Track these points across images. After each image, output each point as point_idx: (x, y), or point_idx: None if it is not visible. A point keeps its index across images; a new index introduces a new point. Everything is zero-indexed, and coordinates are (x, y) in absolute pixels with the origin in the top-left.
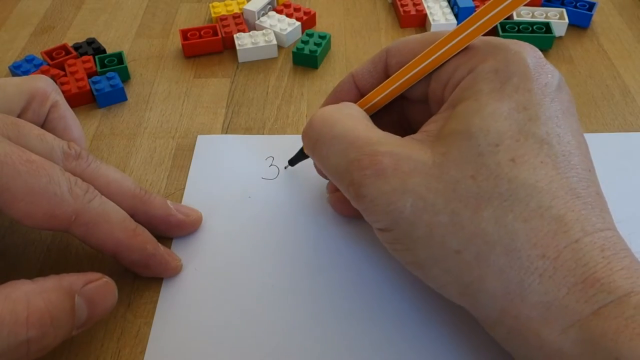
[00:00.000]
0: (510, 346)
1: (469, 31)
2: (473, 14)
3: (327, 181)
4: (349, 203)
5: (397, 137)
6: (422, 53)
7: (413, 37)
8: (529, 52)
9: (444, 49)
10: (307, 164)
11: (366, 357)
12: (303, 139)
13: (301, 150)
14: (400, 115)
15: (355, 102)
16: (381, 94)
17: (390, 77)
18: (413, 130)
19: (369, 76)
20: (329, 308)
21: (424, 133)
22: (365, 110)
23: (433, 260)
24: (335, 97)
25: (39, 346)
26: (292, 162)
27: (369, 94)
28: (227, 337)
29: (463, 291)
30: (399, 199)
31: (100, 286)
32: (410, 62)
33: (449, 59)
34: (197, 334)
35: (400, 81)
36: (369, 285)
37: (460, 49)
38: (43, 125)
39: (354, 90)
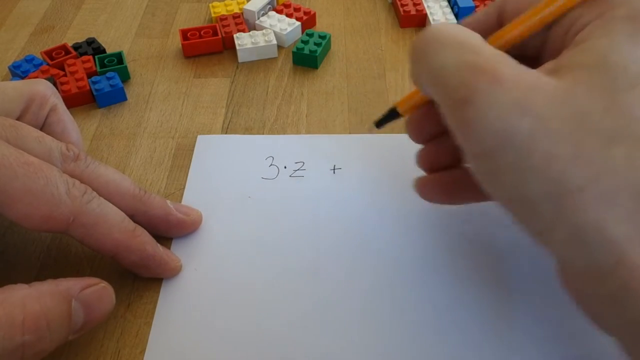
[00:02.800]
0: (615, 307)
1: None
2: None
3: (416, 151)
4: (437, 185)
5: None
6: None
7: None
8: None
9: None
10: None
11: (366, 357)
12: (414, 43)
13: (392, 109)
14: None
15: None
16: (505, 36)
17: (517, 20)
18: None
19: (478, 26)
20: (329, 308)
21: (542, 68)
22: None
23: (545, 196)
24: None
25: (34, 350)
26: (379, 123)
27: (500, 30)
28: (227, 337)
29: (572, 236)
30: (515, 116)
31: (97, 291)
32: (535, 8)
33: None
34: (197, 334)
35: (530, 21)
36: (369, 285)
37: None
38: (41, 129)
39: None
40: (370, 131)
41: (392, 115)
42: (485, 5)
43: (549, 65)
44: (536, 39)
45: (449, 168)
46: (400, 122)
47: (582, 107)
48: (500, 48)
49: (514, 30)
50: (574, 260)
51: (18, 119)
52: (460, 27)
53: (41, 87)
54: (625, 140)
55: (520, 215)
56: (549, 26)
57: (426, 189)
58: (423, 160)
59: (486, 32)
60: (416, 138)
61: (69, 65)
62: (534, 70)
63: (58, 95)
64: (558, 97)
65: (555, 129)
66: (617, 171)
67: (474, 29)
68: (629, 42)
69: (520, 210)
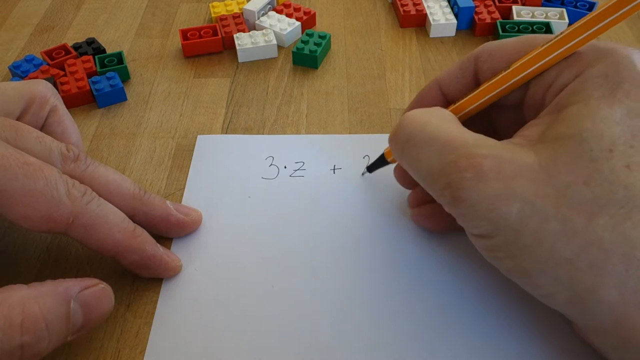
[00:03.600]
0: (621, 356)
1: (579, 38)
2: (582, 22)
3: (407, 195)
4: (434, 217)
5: (495, 140)
6: (525, 59)
7: (505, 42)
8: (639, 57)
9: (550, 57)
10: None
11: (366, 356)
12: (391, 141)
13: (381, 156)
14: (486, 121)
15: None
16: (478, 101)
17: (489, 83)
18: (499, 137)
19: (456, 82)
20: (329, 308)
21: (522, 137)
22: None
23: (540, 268)
24: (419, 103)
25: (33, 351)
26: (371, 168)
27: (463, 100)
28: (227, 337)
29: (572, 300)
30: (503, 204)
31: (96, 292)
32: (511, 68)
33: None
34: (197, 334)
35: (500, 88)
36: (369, 285)
37: (567, 56)
38: (41, 129)
39: (439, 97)
40: (363, 175)
41: (381, 161)
42: (485, 5)
43: (529, 131)
44: (515, 94)
45: None
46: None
47: (563, 182)
48: (475, 111)
49: (485, 96)
50: (578, 320)
51: (18, 119)
52: (429, 114)
53: (41, 88)
54: (608, 208)
55: (522, 284)
56: (527, 82)
57: (422, 219)
58: (414, 203)
59: (462, 89)
60: (404, 185)
61: (69, 65)
62: (513, 149)
63: (58, 96)
64: (541, 178)
65: (541, 209)
66: (603, 240)
67: (450, 85)
68: (605, 104)
69: (521, 280)
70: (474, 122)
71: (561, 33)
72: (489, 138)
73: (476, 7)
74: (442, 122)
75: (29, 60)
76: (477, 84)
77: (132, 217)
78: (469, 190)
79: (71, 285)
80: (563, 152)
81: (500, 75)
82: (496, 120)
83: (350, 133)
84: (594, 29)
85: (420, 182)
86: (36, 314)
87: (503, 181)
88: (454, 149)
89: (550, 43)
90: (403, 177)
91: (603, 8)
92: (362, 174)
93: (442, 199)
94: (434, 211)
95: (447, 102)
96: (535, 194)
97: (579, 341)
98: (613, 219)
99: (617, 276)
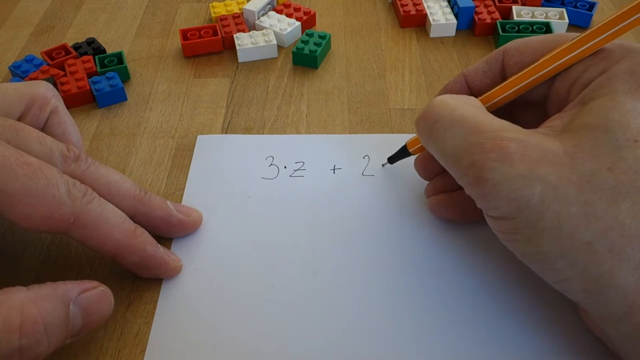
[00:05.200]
0: (632, 346)
1: (606, 34)
2: (609, 18)
3: (426, 185)
4: (451, 206)
5: (521, 127)
6: (553, 53)
7: (532, 39)
8: None
9: (578, 51)
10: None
11: (366, 355)
12: (419, 121)
13: (403, 147)
14: (509, 118)
15: None
16: (507, 91)
17: (517, 75)
18: None
19: (483, 76)
20: (329, 307)
21: (548, 127)
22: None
23: (559, 252)
24: (445, 94)
25: (31, 354)
26: (392, 159)
27: (492, 90)
28: (227, 337)
29: (588, 286)
30: (526, 186)
31: (96, 295)
32: (540, 61)
33: (580, 60)
34: (197, 334)
35: (529, 79)
36: (369, 285)
37: (594, 51)
38: (42, 131)
39: (465, 89)
40: (384, 165)
41: (403, 152)
42: (485, 5)
43: (554, 122)
44: (540, 89)
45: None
46: (400, 119)
47: (588, 169)
48: (503, 102)
49: (514, 87)
50: (592, 307)
51: (18, 120)
52: (458, 99)
53: (42, 89)
54: (631, 196)
55: (538, 269)
56: (552, 77)
57: (440, 208)
58: (431, 192)
59: (489, 83)
60: (424, 175)
61: (69, 65)
62: (538, 136)
63: (59, 97)
64: (565, 163)
65: (564, 192)
66: (624, 225)
67: (476, 79)
68: (631, 99)
69: (538, 264)
70: (497, 117)
71: (589, 29)
72: (515, 125)
73: (476, 7)
74: (471, 107)
75: (29, 60)
76: (503, 78)
77: (133, 218)
78: (492, 171)
79: (70, 288)
80: (588, 140)
81: (529, 68)
82: (519, 117)
83: (350, 133)
84: (621, 25)
85: (443, 162)
86: (35, 317)
87: (527, 164)
88: (481, 132)
89: (578, 38)
90: (424, 167)
91: (631, 5)
92: (383, 165)
93: (465, 179)
94: (452, 200)
95: (472, 95)
96: (559, 178)
97: (589, 336)
98: (635, 206)
99: (636, 262)
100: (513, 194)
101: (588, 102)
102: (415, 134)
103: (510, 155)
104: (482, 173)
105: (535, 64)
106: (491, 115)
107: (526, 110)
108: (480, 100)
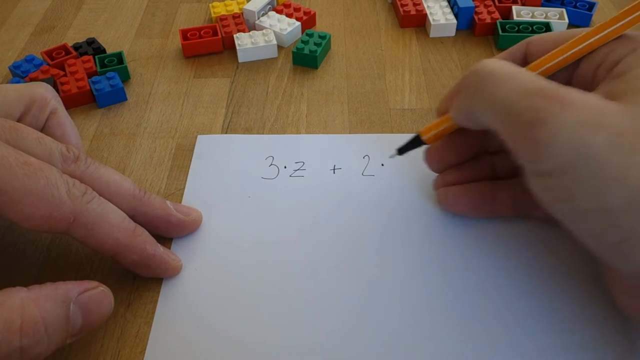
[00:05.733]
0: None
1: (634, 16)
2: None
3: (434, 177)
4: (461, 197)
5: None
6: (583, 34)
7: (555, 32)
8: None
9: (610, 29)
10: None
11: (365, 355)
12: (467, 77)
13: (416, 137)
14: None
15: None
16: (538, 69)
17: (549, 54)
18: None
19: None
20: (329, 307)
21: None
22: None
23: (626, 204)
24: None
25: (32, 354)
26: (402, 150)
27: (535, 62)
28: (227, 337)
29: None
30: (590, 133)
31: (96, 295)
32: (570, 42)
33: (605, 44)
34: (197, 334)
35: (560, 58)
36: (369, 284)
37: (617, 36)
38: (41, 132)
39: None
40: (392, 157)
41: (415, 142)
42: (485, 5)
43: (598, 94)
44: (562, 74)
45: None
46: (400, 119)
47: None
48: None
49: (548, 63)
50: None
51: (18, 121)
52: (507, 62)
53: (42, 90)
54: None
55: (596, 229)
56: (577, 61)
57: (450, 199)
58: (441, 184)
59: None
60: (435, 167)
61: (69, 65)
62: (597, 95)
63: (59, 99)
64: (627, 115)
65: (629, 141)
66: None
67: None
68: None
69: (596, 223)
70: None
71: (620, 10)
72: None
73: (476, 7)
74: (520, 68)
75: (29, 60)
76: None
77: (133, 218)
78: (553, 115)
79: (70, 288)
80: None
81: (559, 48)
82: None
83: (350, 133)
84: None
85: (490, 113)
86: (35, 317)
87: (592, 111)
88: (538, 85)
89: (606, 21)
90: (437, 158)
91: None
92: (391, 156)
93: (515, 126)
94: (462, 191)
95: None
96: (624, 127)
97: (605, 334)
98: None
99: None
100: (575, 140)
101: (623, 75)
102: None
103: (573, 102)
104: (542, 115)
105: (565, 44)
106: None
107: None
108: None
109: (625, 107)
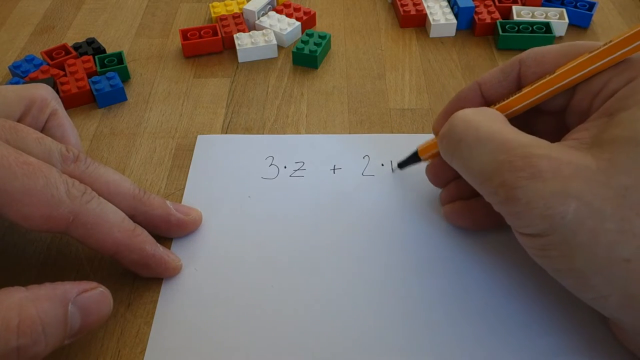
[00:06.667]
0: None
1: (632, 46)
2: (635, 30)
3: (440, 192)
4: (467, 214)
5: (549, 142)
6: (574, 64)
7: (549, 48)
8: None
9: (601, 62)
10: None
11: (365, 355)
12: (442, 140)
13: (414, 153)
14: (524, 126)
15: None
16: (525, 101)
17: (537, 84)
18: None
19: (498, 85)
20: (329, 308)
21: (574, 140)
22: None
23: (595, 268)
24: (458, 103)
25: (29, 354)
26: (402, 165)
27: (510, 99)
28: (226, 338)
29: (625, 303)
30: (560, 203)
31: (94, 295)
32: (560, 71)
33: (603, 71)
34: (197, 334)
35: (549, 89)
36: (369, 284)
37: (618, 62)
38: (41, 133)
39: (479, 99)
40: (393, 171)
41: (414, 158)
42: (485, 5)
43: (581, 135)
44: (559, 99)
45: (473, 197)
46: (400, 119)
47: (622, 184)
48: (520, 111)
49: (533, 97)
50: (629, 323)
51: (18, 122)
52: (480, 113)
53: (42, 91)
54: None
55: (572, 286)
56: (572, 88)
57: (455, 216)
58: (446, 200)
59: (504, 92)
60: (436, 183)
61: (69, 65)
62: (568, 151)
63: (58, 100)
64: (599, 180)
65: (599, 209)
66: None
67: (491, 88)
68: None
69: (572, 281)
70: (512, 126)
71: (611, 41)
72: (543, 140)
73: (476, 7)
74: (495, 122)
75: (29, 60)
76: (519, 88)
77: (132, 217)
78: (524, 189)
79: (69, 288)
80: (620, 154)
81: (549, 78)
82: (534, 126)
83: (350, 133)
84: None
85: (471, 181)
86: (33, 317)
87: (560, 181)
88: (509, 149)
89: (601, 49)
90: (435, 174)
91: None
92: (393, 170)
93: (494, 198)
94: (467, 208)
95: (487, 104)
96: (593, 194)
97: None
98: None
99: None
100: (546, 211)
101: (616, 114)
102: (426, 140)
103: (542, 172)
104: (514, 192)
105: (555, 74)
106: (517, 130)
107: (543, 118)
108: (497, 109)
109: (599, 167)
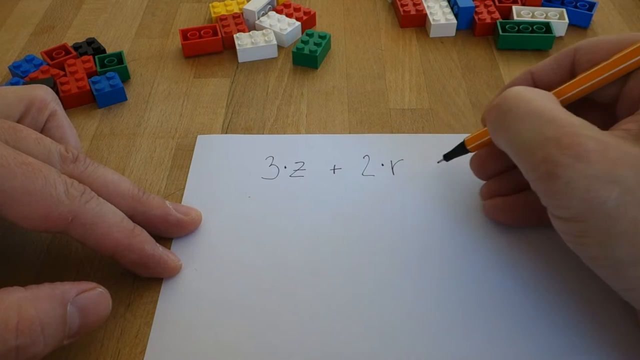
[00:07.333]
0: None
1: None
2: None
3: (481, 186)
4: (507, 210)
5: (599, 128)
6: (631, 49)
7: (605, 38)
8: None
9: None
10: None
11: (366, 355)
12: (489, 112)
13: (461, 144)
14: None
15: None
16: (580, 87)
17: (592, 70)
18: None
19: (551, 73)
20: (329, 308)
21: (622, 130)
22: None
23: (633, 259)
24: None
25: (28, 354)
26: (448, 156)
27: (564, 85)
28: (227, 337)
29: None
30: (602, 188)
31: (94, 296)
32: (616, 57)
33: None
34: (197, 334)
35: (604, 75)
36: (369, 285)
37: None
38: (40, 133)
39: (532, 86)
40: (438, 162)
41: (460, 149)
42: (485, 5)
43: (630, 126)
44: (610, 89)
45: (514, 194)
46: (400, 119)
47: None
48: (574, 98)
49: (588, 82)
50: None
51: (17, 122)
52: (534, 91)
53: (41, 92)
54: None
55: (606, 275)
56: (625, 77)
57: (496, 212)
58: (486, 195)
59: (557, 81)
60: (480, 175)
61: (69, 65)
62: (616, 138)
63: (58, 101)
64: None
65: None
66: None
67: (544, 77)
68: None
69: (607, 270)
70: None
71: None
72: (593, 125)
73: (476, 7)
74: (548, 101)
75: (29, 60)
76: (572, 77)
77: (132, 218)
78: (567, 168)
79: (68, 289)
80: None
81: (605, 63)
82: (584, 119)
83: (350, 133)
84: None
85: (513, 153)
86: (32, 317)
87: (606, 164)
88: (558, 127)
89: None
90: (480, 166)
91: None
92: (438, 162)
93: (533, 174)
94: (508, 204)
95: None
96: (637, 182)
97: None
98: None
99: None
100: (587, 194)
101: None
102: (471, 132)
103: (589, 153)
104: (556, 169)
105: (611, 59)
106: (569, 112)
107: (593, 112)
108: (554, 94)
109: None
